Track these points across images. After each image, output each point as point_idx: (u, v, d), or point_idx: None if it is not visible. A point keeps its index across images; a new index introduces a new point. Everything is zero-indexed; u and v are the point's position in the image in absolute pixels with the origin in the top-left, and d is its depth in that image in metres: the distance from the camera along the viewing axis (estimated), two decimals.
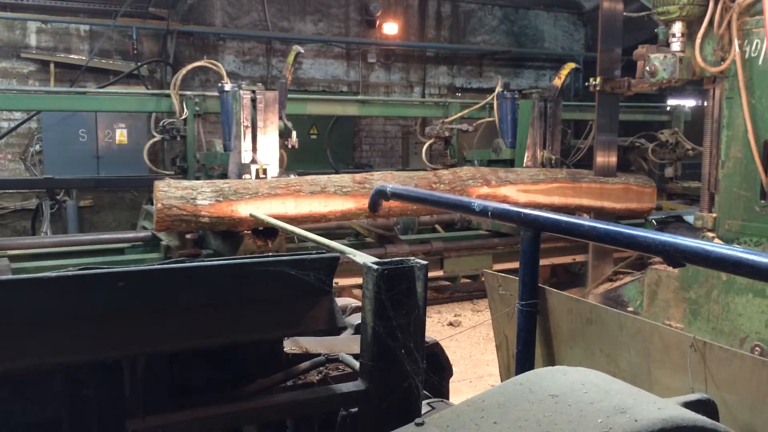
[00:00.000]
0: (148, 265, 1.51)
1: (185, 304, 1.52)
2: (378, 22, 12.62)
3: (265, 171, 6.45)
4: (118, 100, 8.23)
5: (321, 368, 1.85)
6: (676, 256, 1.62)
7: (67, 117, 9.86)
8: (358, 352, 1.67)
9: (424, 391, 1.77)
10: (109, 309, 1.45)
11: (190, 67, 7.87)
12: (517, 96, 8.50)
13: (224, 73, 7.65)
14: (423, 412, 1.73)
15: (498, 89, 8.65)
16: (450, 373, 2.24)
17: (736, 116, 4.64)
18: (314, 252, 1.68)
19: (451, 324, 7.00)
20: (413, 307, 1.59)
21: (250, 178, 6.33)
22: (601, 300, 5.49)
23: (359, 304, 2.30)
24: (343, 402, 1.64)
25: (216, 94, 7.52)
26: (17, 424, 1.52)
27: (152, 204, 8.60)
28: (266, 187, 5.97)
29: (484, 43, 13.84)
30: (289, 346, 1.91)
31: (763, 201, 4.49)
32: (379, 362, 1.58)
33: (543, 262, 7.69)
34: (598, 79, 6.01)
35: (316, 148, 11.20)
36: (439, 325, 6.99)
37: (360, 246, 6.96)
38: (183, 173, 7.65)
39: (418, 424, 1.33)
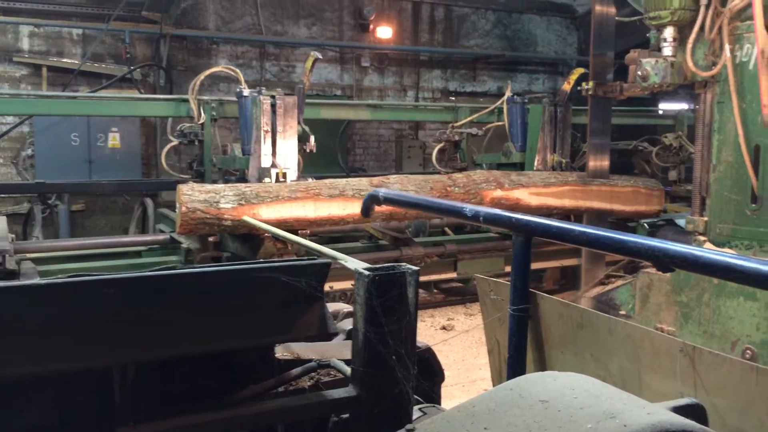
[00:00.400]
0: (138, 272, 1.51)
1: (176, 311, 1.52)
2: (371, 26, 12.64)
3: (284, 175, 6.55)
4: (135, 105, 8.30)
5: (312, 374, 1.84)
6: (666, 261, 1.62)
7: (60, 121, 9.83)
8: (350, 357, 1.67)
9: (416, 397, 1.78)
10: (99, 316, 1.44)
11: (207, 72, 7.95)
12: (526, 100, 8.62)
13: (242, 79, 7.71)
14: (414, 417, 1.73)
15: (507, 94, 8.76)
16: (442, 378, 2.24)
17: (727, 120, 4.66)
18: (306, 258, 1.68)
19: (444, 328, 7.00)
20: (404, 312, 1.60)
21: (270, 182, 6.43)
22: (594, 303, 5.51)
23: (351, 309, 2.30)
24: (334, 408, 1.64)
25: (233, 98, 7.63)
26: None
27: (155, 207, 8.62)
28: (287, 191, 6.10)
29: (478, 47, 13.87)
30: (281, 351, 1.91)
31: (753, 205, 4.52)
32: (371, 368, 1.58)
33: (553, 264, 7.86)
34: (591, 84, 6.04)
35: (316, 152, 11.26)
36: (432, 329, 7.00)
37: (375, 248, 7.29)
38: (200, 177, 7.73)
39: (409, 430, 1.33)
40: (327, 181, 6.54)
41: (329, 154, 11.53)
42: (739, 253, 3.87)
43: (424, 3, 13.26)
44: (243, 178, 6.95)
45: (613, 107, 10.10)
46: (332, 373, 1.85)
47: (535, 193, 7.10)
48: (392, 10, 12.98)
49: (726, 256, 1.51)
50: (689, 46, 4.72)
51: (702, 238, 4.84)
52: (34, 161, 10.18)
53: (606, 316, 2.01)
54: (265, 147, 6.59)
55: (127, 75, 10.41)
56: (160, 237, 7.12)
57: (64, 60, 10.50)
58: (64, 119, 9.74)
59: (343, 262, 1.82)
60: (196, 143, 7.65)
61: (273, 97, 6.69)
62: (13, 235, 6.49)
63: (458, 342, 6.25)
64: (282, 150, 6.67)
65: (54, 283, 1.40)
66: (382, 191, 2.90)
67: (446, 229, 8.33)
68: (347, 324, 2.16)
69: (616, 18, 6.37)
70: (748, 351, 4.29)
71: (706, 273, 1.57)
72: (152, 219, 9.28)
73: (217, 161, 7.69)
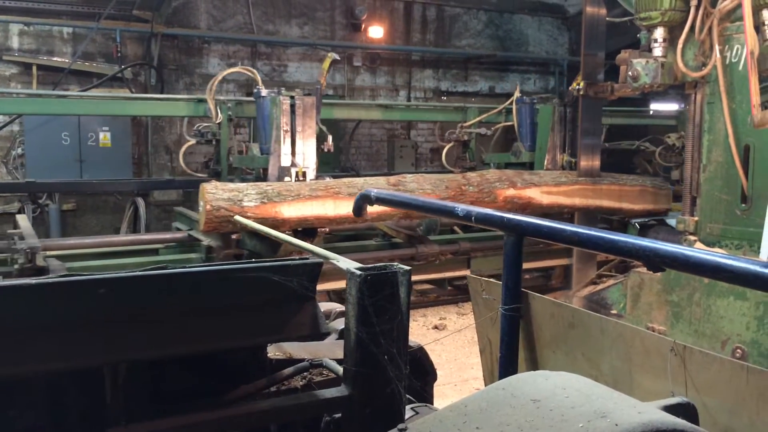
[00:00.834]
0: (130, 272, 1.50)
1: (168, 310, 1.51)
2: (363, 26, 12.63)
3: (304, 174, 6.71)
4: (151, 104, 8.37)
5: (305, 374, 1.84)
6: (657, 261, 1.63)
7: (50, 120, 9.77)
8: (342, 357, 1.67)
9: (408, 396, 1.78)
10: (91, 316, 1.44)
11: (225, 72, 8.06)
12: (536, 101, 8.73)
13: (259, 79, 7.83)
14: (406, 417, 1.73)
15: (516, 95, 8.86)
16: (434, 378, 2.25)
17: (717, 121, 4.69)
18: (298, 258, 1.68)
19: (436, 327, 7.01)
20: (396, 312, 1.60)
21: (290, 181, 6.57)
22: (585, 303, 5.53)
23: (343, 308, 2.30)
24: (326, 408, 1.64)
25: (249, 99, 7.77)
26: None
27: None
28: (307, 189, 6.25)
29: (469, 47, 13.89)
30: (273, 351, 1.91)
31: (743, 205, 4.55)
32: (363, 368, 1.58)
33: (565, 261, 7.96)
34: (582, 84, 6.06)
35: None
36: (424, 328, 7.00)
37: (389, 246, 7.46)
38: (216, 176, 7.79)
39: (401, 430, 1.33)
40: (345, 180, 6.74)
41: (326, 154, 11.47)
42: (729, 253, 3.90)
43: (415, 3, 13.26)
44: (259, 178, 7.08)
45: (616, 108, 10.27)
46: (324, 372, 1.85)
47: (546, 192, 7.23)
48: (384, 10, 12.98)
49: (716, 255, 1.52)
50: (679, 46, 4.74)
51: (692, 237, 4.86)
52: (25, 160, 10.11)
53: (597, 316, 2.02)
54: (285, 146, 6.73)
55: (118, 74, 10.36)
56: (178, 235, 7.22)
57: (55, 59, 10.44)
58: (54, 118, 9.69)
59: (335, 261, 1.82)
60: (214, 143, 7.76)
61: (292, 97, 6.82)
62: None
63: (450, 341, 6.26)
64: (301, 149, 6.83)
65: (45, 282, 1.40)
66: (374, 191, 2.90)
67: (455, 227, 8.40)
68: (339, 323, 2.16)
69: (607, 18, 6.40)
70: (739, 350, 4.31)
71: (696, 273, 1.58)
72: (144, 218, 9.25)
73: (234, 160, 7.77)
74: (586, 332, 2.01)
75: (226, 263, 1.69)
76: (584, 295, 5.76)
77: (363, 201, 3.04)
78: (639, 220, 8.10)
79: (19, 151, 10.23)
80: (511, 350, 2.10)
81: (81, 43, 10.44)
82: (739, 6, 4.27)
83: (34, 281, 1.38)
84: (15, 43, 10.29)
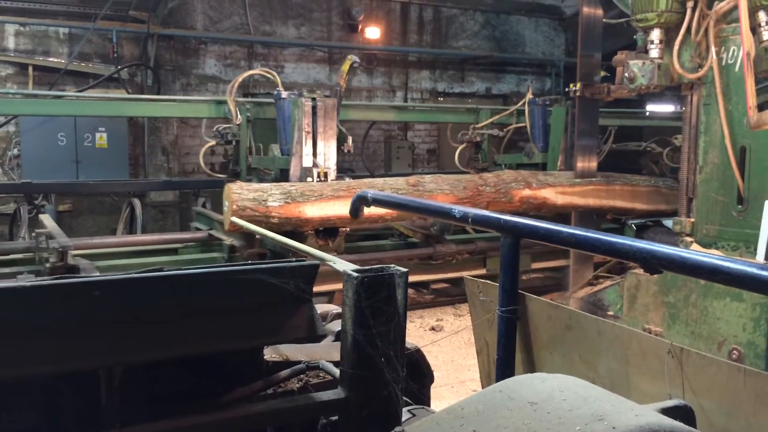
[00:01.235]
0: (125, 274, 1.50)
1: (163, 313, 1.51)
2: (360, 27, 12.63)
3: (326, 174, 6.87)
4: (171, 106, 8.47)
5: (301, 376, 1.84)
6: (653, 263, 1.63)
7: (46, 121, 9.75)
8: (339, 359, 1.67)
9: (405, 398, 1.77)
10: (86, 318, 1.43)
11: (245, 74, 8.20)
12: (548, 102, 8.84)
13: (279, 81, 7.99)
14: (403, 419, 1.72)
15: (529, 96, 8.98)
16: (431, 380, 2.24)
17: (713, 122, 4.70)
18: (294, 259, 1.67)
19: (433, 329, 7.01)
20: (393, 314, 1.59)
21: (312, 181, 6.72)
22: (582, 304, 5.53)
23: (340, 310, 2.30)
24: (322, 410, 1.63)
25: (267, 101, 7.99)
26: None
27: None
28: (329, 190, 6.40)
29: (466, 48, 13.90)
30: (270, 353, 1.90)
31: (740, 206, 4.55)
32: (359, 370, 1.57)
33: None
34: (578, 85, 6.07)
35: None
36: (421, 329, 7.00)
37: (406, 246, 7.63)
38: (235, 176, 7.87)
39: None
40: (366, 180, 6.97)
41: None
42: (725, 255, 3.91)
43: (412, 4, 13.27)
44: (277, 178, 7.21)
45: (623, 110, 10.35)
46: (321, 375, 1.85)
47: (561, 192, 7.33)
48: (381, 11, 12.98)
49: (713, 257, 1.52)
50: (676, 48, 4.75)
51: (689, 239, 4.87)
52: (21, 161, 10.09)
53: (594, 318, 2.02)
54: (307, 147, 6.88)
55: (115, 74, 10.34)
56: (198, 234, 7.32)
57: (51, 59, 10.42)
58: (50, 119, 9.68)
59: (331, 263, 1.82)
60: (234, 143, 7.87)
61: (314, 99, 6.99)
62: None
63: (447, 343, 6.25)
64: (322, 150, 6.98)
65: (40, 284, 1.39)
66: (370, 192, 2.90)
67: (468, 228, 8.44)
68: (336, 326, 2.15)
69: (604, 20, 6.41)
70: (735, 351, 4.32)
71: (693, 275, 1.58)
72: (140, 219, 9.23)
73: (253, 161, 7.85)
74: (583, 334, 2.00)
75: (220, 265, 1.68)
76: (581, 296, 5.76)
77: (360, 202, 3.04)
78: (635, 221, 8.12)
79: (15, 151, 10.20)
80: (508, 352, 2.09)
81: (77, 44, 10.42)
82: (736, 7, 4.28)
83: (28, 284, 1.37)
84: (11, 43, 10.26)
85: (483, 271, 7.63)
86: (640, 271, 4.97)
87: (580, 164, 7.22)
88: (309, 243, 6.39)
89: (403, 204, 3.10)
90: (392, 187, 6.64)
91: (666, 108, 13.65)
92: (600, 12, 6.38)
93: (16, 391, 1.47)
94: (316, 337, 1.72)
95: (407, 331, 1.69)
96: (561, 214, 7.73)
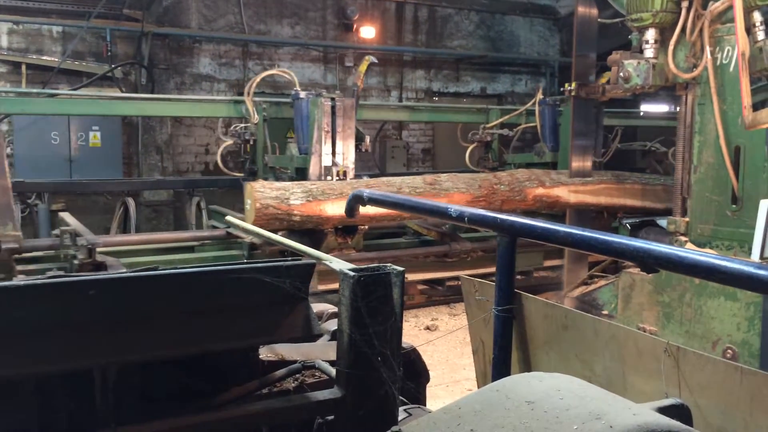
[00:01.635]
0: (121, 273, 1.49)
1: (158, 312, 1.50)
2: (355, 26, 12.62)
3: (344, 173, 7.04)
4: (196, 106, 8.56)
5: (297, 375, 1.83)
6: (650, 262, 1.63)
7: (39, 119, 9.71)
8: (335, 358, 1.66)
9: (401, 398, 1.77)
10: (80, 317, 1.42)
11: (264, 74, 8.30)
12: (558, 102, 8.92)
13: (296, 81, 8.10)
14: (399, 418, 1.72)
15: (539, 96, 9.06)
16: (427, 379, 2.24)
17: (707, 122, 4.71)
18: (290, 259, 1.66)
19: (428, 328, 7.00)
20: (389, 314, 1.59)
21: (331, 180, 6.87)
22: (577, 303, 5.54)
23: (336, 310, 2.29)
24: (318, 410, 1.62)
25: (283, 100, 8.21)
26: None
27: (136, 206, 8.62)
28: (349, 188, 6.45)
29: (461, 47, 13.90)
30: (265, 353, 1.89)
31: (734, 206, 4.57)
32: (355, 369, 1.57)
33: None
34: (573, 85, 6.08)
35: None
36: (416, 329, 6.99)
37: (421, 244, 7.78)
38: (252, 175, 7.99)
39: None
40: (384, 179, 7.13)
41: None
42: (719, 254, 3.92)
43: (407, 3, 13.26)
44: (294, 177, 7.34)
45: (629, 110, 10.42)
46: (317, 374, 1.84)
47: (573, 190, 7.42)
48: (376, 10, 12.97)
49: (710, 257, 1.52)
50: (671, 48, 4.76)
51: (683, 238, 4.88)
52: (14, 160, 10.04)
53: (591, 317, 2.01)
54: (326, 147, 7.03)
55: (108, 73, 10.30)
56: (216, 232, 7.40)
57: (44, 58, 10.38)
58: (43, 118, 9.63)
59: (327, 262, 1.81)
60: (252, 143, 7.98)
61: (333, 99, 7.14)
62: None
63: (442, 342, 6.25)
64: (341, 149, 7.13)
65: (35, 283, 1.38)
66: (366, 192, 2.90)
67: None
68: (332, 325, 2.15)
69: (599, 20, 6.41)
70: (729, 350, 4.33)
71: (690, 274, 1.58)
72: (134, 218, 9.20)
73: (270, 160, 7.93)
74: (580, 333, 2.00)
75: (215, 265, 1.67)
76: (576, 295, 5.77)
77: (355, 202, 3.03)
78: (630, 221, 8.15)
79: (8, 150, 10.14)
80: (504, 351, 2.09)
81: (71, 42, 10.38)
82: (731, 7, 4.29)
83: (22, 283, 1.36)
84: (4, 41, 10.21)
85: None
86: (635, 270, 4.99)
87: (576, 164, 7.23)
88: (329, 240, 6.69)
89: (398, 203, 3.09)
90: (410, 185, 6.78)
91: (660, 108, 13.68)
92: (595, 12, 6.38)
93: (9, 390, 1.46)
94: (312, 337, 1.71)
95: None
96: (554, 215, 7.81)
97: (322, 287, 6.04)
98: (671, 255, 1.58)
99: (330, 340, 2.08)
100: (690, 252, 1.57)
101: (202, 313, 1.54)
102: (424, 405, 2.14)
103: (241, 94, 11.49)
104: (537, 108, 8.97)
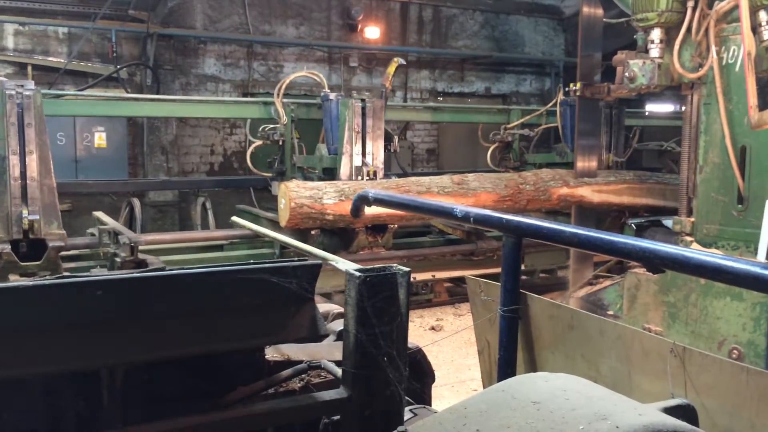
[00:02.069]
0: (127, 273, 1.49)
1: (166, 312, 1.50)
2: (360, 27, 12.62)
3: (374, 173, 7.20)
4: (218, 107, 8.70)
5: (303, 375, 1.83)
6: (656, 263, 1.63)
7: (45, 120, 9.71)
8: (341, 358, 1.66)
9: (407, 398, 1.77)
10: (88, 318, 1.43)
11: (293, 76, 8.39)
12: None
13: (325, 83, 8.24)
14: (405, 419, 1.72)
15: (560, 97, 9.11)
16: (432, 379, 2.24)
17: (713, 122, 4.69)
18: (296, 259, 1.66)
19: (433, 328, 7.00)
20: (395, 314, 1.59)
21: (362, 180, 7.01)
22: (582, 304, 5.53)
23: (341, 310, 2.29)
24: (324, 410, 1.63)
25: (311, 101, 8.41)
26: None
27: (142, 206, 8.66)
28: (380, 188, 6.62)
29: (466, 47, 13.89)
30: (271, 353, 1.90)
31: (740, 206, 4.55)
32: (361, 370, 1.57)
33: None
34: (578, 85, 6.06)
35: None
36: (421, 329, 7.00)
37: (447, 242, 7.97)
38: (280, 175, 8.12)
39: None
40: (413, 178, 7.24)
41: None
42: (725, 254, 3.91)
43: (412, 3, 13.26)
44: (323, 177, 7.47)
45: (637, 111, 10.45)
46: (323, 374, 1.84)
47: (597, 190, 7.54)
48: (380, 11, 12.97)
49: (716, 257, 1.52)
50: (676, 47, 4.74)
51: (689, 238, 4.87)
52: None
53: (597, 317, 2.01)
54: (356, 147, 7.19)
55: (114, 74, 10.33)
56: (246, 231, 7.47)
57: (50, 59, 10.41)
58: (48, 119, 9.62)
59: (333, 263, 1.81)
60: (281, 143, 8.09)
61: (363, 100, 7.30)
62: None
63: (447, 342, 6.25)
64: (371, 149, 7.29)
65: (42, 284, 1.39)
66: (371, 192, 2.90)
67: None
68: (338, 325, 2.15)
69: (604, 19, 6.40)
70: (735, 351, 4.32)
71: (696, 274, 1.57)
72: (139, 219, 9.21)
73: (298, 160, 8.05)
74: (586, 334, 2.00)
75: (222, 265, 1.68)
76: (581, 296, 5.75)
77: (361, 202, 3.03)
78: (635, 221, 8.15)
79: None
80: (509, 352, 2.09)
81: (76, 43, 10.41)
82: (736, 7, 4.27)
83: (30, 283, 1.37)
84: (10, 42, 10.25)
85: (521, 267, 7.79)
86: (640, 270, 4.97)
87: (581, 164, 7.22)
88: (360, 239, 6.88)
89: (404, 203, 3.09)
90: (438, 185, 6.94)
91: (666, 108, 13.65)
92: (600, 12, 6.37)
93: (17, 391, 1.47)
94: (317, 337, 1.71)
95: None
96: (555, 212, 7.84)
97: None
98: (677, 255, 1.58)
99: (336, 341, 2.08)
100: (696, 252, 1.56)
101: (209, 313, 1.55)
102: (430, 405, 2.14)
103: (246, 94, 11.54)
104: (558, 108, 9.00)
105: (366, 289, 1.55)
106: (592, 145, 7.09)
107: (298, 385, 1.80)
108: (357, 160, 7.18)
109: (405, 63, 8.33)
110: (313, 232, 6.89)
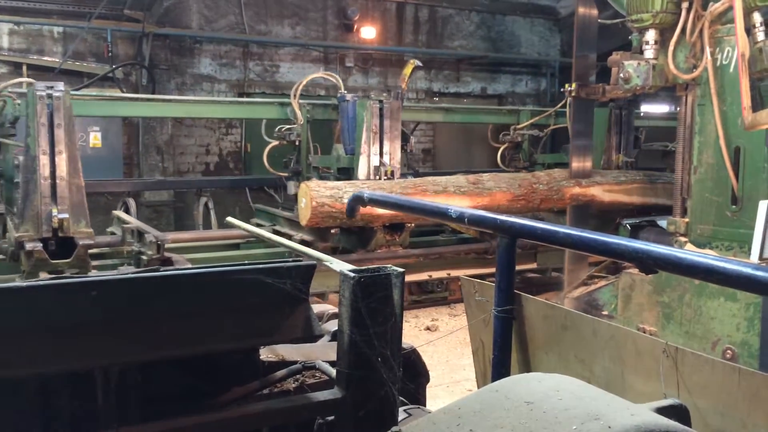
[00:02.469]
0: (122, 274, 1.50)
1: (160, 313, 1.51)
2: (356, 27, 12.62)
3: (392, 173, 7.29)
4: (240, 108, 8.75)
5: (297, 376, 1.83)
6: (649, 263, 1.64)
7: None
8: (335, 359, 1.67)
9: (401, 398, 1.78)
10: (82, 318, 1.43)
11: (309, 77, 8.49)
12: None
13: (341, 84, 8.39)
14: (399, 419, 1.73)
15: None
16: (427, 380, 2.24)
17: (707, 122, 4.72)
18: (291, 260, 1.67)
19: (428, 329, 7.01)
20: (390, 314, 1.60)
21: (380, 179, 7.12)
22: (577, 304, 5.55)
23: (336, 310, 2.30)
24: (319, 410, 1.63)
25: (325, 102, 8.57)
26: None
27: (137, 206, 8.68)
28: (398, 188, 6.77)
29: (462, 48, 13.90)
30: (266, 353, 1.90)
31: (734, 206, 4.57)
32: (356, 370, 1.58)
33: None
34: (573, 85, 6.08)
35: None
36: (416, 329, 7.00)
37: (460, 241, 8.11)
38: (296, 175, 8.21)
39: None
40: (429, 178, 7.35)
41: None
42: (719, 255, 3.92)
43: (408, 4, 13.27)
44: (339, 177, 7.59)
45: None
46: (317, 375, 1.85)
47: (608, 190, 7.68)
48: (376, 11, 12.97)
49: (708, 258, 1.53)
50: (671, 48, 4.76)
51: (683, 239, 4.88)
52: None
53: (590, 318, 2.02)
54: (374, 147, 7.29)
55: (109, 74, 10.31)
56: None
57: (45, 58, 10.38)
58: None
59: (328, 263, 1.82)
60: (297, 143, 8.17)
61: (381, 101, 7.40)
62: None
63: (442, 342, 6.26)
64: (388, 150, 7.39)
65: (38, 284, 1.39)
66: (366, 193, 2.90)
67: None
68: (332, 325, 2.15)
69: (599, 20, 6.42)
70: (729, 351, 4.34)
71: (688, 275, 1.58)
72: (135, 218, 9.21)
73: (315, 160, 8.13)
74: (579, 334, 2.01)
75: (216, 266, 1.68)
76: (576, 296, 5.77)
77: (356, 202, 3.04)
78: (630, 221, 8.17)
79: None
80: (503, 352, 2.10)
81: (72, 43, 10.39)
82: (730, 8, 4.29)
83: (25, 284, 1.37)
84: (5, 42, 10.22)
85: (534, 265, 8.14)
86: (635, 270, 4.99)
87: (575, 164, 7.24)
88: (378, 237, 6.97)
89: (399, 204, 3.10)
90: (455, 184, 7.05)
91: (660, 108, 13.68)
92: (595, 12, 6.39)
93: (13, 390, 1.47)
94: (312, 337, 1.72)
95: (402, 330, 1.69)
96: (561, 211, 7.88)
97: None
98: (670, 256, 1.59)
99: (330, 341, 2.09)
100: (688, 253, 1.57)
101: (204, 313, 1.55)
102: (424, 405, 2.15)
103: (241, 94, 11.53)
104: (568, 109, 9.07)
105: (360, 290, 1.55)
106: (586, 145, 7.11)
107: (293, 385, 1.80)
108: (375, 160, 7.30)
109: (421, 65, 8.42)
110: (333, 231, 7.01)
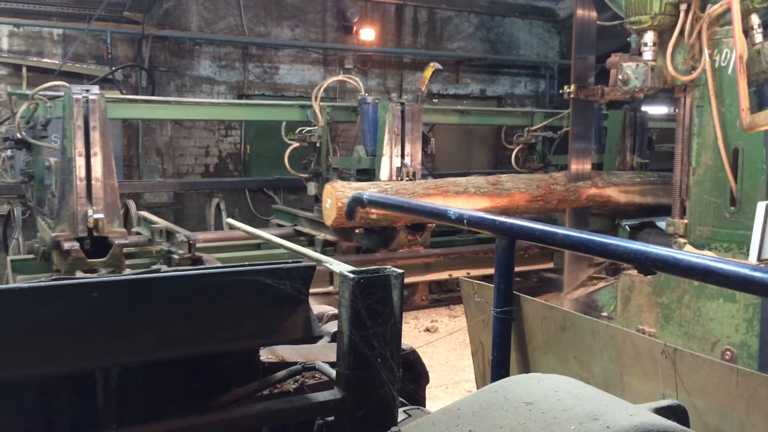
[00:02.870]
0: (123, 275, 1.50)
1: (160, 314, 1.51)
2: (355, 28, 12.63)
3: (413, 174, 7.42)
4: (257, 110, 8.84)
5: (297, 377, 1.84)
6: (647, 264, 1.64)
7: None
8: (335, 360, 1.67)
9: (400, 399, 1.78)
10: (83, 319, 1.43)
11: (330, 80, 8.57)
12: (602, 106, 9.09)
13: (362, 87, 8.43)
14: (399, 420, 1.73)
15: None
16: (426, 380, 2.25)
17: (706, 124, 4.72)
18: (290, 261, 1.67)
19: (427, 330, 7.01)
20: (389, 315, 1.60)
21: (401, 180, 7.23)
22: (576, 305, 5.55)
23: (336, 311, 2.30)
24: (318, 411, 1.64)
25: (344, 104, 8.79)
26: None
27: (137, 208, 8.70)
28: (420, 188, 6.90)
29: (461, 49, 13.92)
30: (266, 354, 1.90)
31: (732, 207, 4.58)
32: (355, 371, 1.58)
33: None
34: (572, 87, 6.08)
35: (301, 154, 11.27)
36: (415, 330, 7.00)
37: (476, 241, 8.27)
38: (316, 176, 8.34)
39: None
40: (450, 179, 7.41)
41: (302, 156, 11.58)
42: (718, 256, 3.93)
43: (407, 5, 13.28)
44: (359, 178, 7.71)
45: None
46: (317, 375, 1.85)
47: (623, 190, 7.81)
48: (375, 12, 12.99)
49: (706, 259, 1.53)
50: (669, 50, 4.77)
51: (682, 240, 4.89)
52: (14, 162, 10.04)
53: (589, 319, 2.03)
54: (396, 149, 7.44)
55: (109, 75, 10.32)
56: (283, 230, 7.79)
57: (45, 60, 10.39)
58: None
59: (327, 265, 1.82)
60: (318, 145, 8.27)
61: (402, 104, 7.50)
62: None
63: (442, 343, 6.26)
64: (409, 151, 7.53)
65: (39, 286, 1.39)
66: (366, 194, 2.91)
67: None
68: (332, 326, 2.16)
69: (598, 22, 6.43)
70: (728, 352, 4.34)
71: (686, 276, 1.59)
72: (135, 220, 9.21)
73: (335, 161, 8.22)
74: (578, 335, 2.01)
75: (216, 267, 1.68)
76: (575, 297, 5.78)
77: (355, 204, 3.05)
78: (629, 222, 8.18)
79: (9, 153, 10.15)
80: (503, 353, 2.11)
81: (71, 45, 10.40)
82: (729, 10, 4.30)
83: (25, 285, 1.37)
84: (5, 44, 10.23)
85: (550, 265, 8.18)
86: (634, 272, 5.00)
87: (575, 167, 7.24)
88: (400, 237, 7.12)
89: (398, 205, 3.10)
90: (475, 185, 7.15)
91: (659, 110, 13.69)
92: (594, 14, 6.39)
93: (14, 392, 1.47)
94: (312, 338, 1.72)
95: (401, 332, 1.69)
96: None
97: None
98: (668, 257, 1.59)
99: (330, 342, 2.09)
100: (686, 254, 1.58)
101: (204, 314, 1.56)
102: (424, 406, 2.15)
103: (241, 96, 11.54)
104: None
105: (360, 291, 1.56)
106: (585, 148, 7.12)
107: (293, 386, 1.81)
108: (396, 162, 7.43)
109: (441, 67, 8.53)
110: (357, 231, 7.11)
